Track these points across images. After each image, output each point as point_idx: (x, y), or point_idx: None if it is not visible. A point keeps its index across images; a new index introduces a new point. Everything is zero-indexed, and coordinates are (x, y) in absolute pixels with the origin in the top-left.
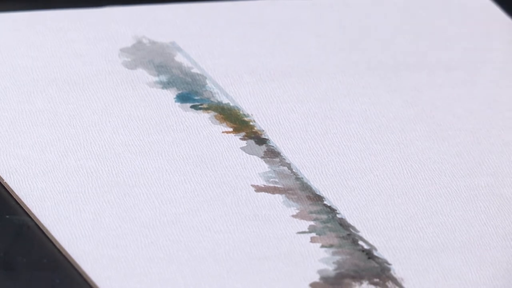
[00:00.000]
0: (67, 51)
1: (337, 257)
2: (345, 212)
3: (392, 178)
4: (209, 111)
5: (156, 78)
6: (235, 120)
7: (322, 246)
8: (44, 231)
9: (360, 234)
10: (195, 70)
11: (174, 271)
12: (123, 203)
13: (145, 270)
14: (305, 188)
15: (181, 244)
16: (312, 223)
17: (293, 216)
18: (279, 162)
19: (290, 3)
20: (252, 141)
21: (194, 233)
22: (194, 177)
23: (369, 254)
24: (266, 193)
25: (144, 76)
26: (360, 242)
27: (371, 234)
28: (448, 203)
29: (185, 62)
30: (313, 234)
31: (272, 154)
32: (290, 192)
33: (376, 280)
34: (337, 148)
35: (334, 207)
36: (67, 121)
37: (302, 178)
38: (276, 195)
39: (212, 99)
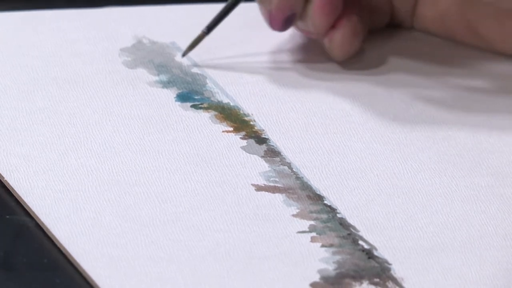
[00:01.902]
0: (67, 50)
1: (337, 257)
2: (345, 211)
3: (392, 177)
4: (209, 110)
5: (156, 78)
6: (235, 119)
7: (322, 246)
8: (44, 229)
9: (360, 233)
10: (195, 70)
11: (174, 270)
12: (123, 202)
13: (145, 269)
14: (305, 187)
15: (181, 243)
16: (312, 222)
17: (293, 215)
18: (279, 161)
19: None
20: (252, 141)
21: (194, 232)
22: (194, 176)
23: (369, 253)
24: (266, 193)
25: (144, 75)
26: (360, 242)
27: (371, 234)
28: (448, 203)
29: (185, 62)
30: (313, 234)
31: (272, 154)
32: (290, 191)
33: (376, 280)
34: (337, 148)
35: (334, 207)
36: (68, 120)
37: (302, 177)
38: (277, 194)
39: (212, 99)
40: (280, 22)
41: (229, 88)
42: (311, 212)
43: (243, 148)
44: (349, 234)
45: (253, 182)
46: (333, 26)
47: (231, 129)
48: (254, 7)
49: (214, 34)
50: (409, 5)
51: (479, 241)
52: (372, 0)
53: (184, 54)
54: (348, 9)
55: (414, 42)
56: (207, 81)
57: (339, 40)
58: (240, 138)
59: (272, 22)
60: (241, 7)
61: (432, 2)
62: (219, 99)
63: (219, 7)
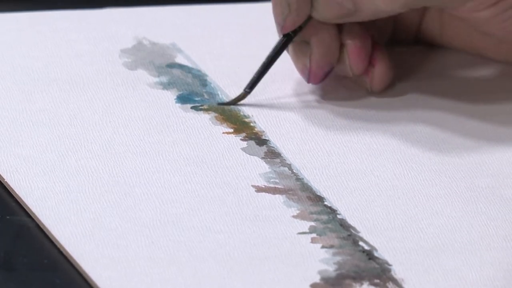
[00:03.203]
0: (67, 51)
1: (338, 258)
2: (346, 212)
3: (392, 179)
4: (210, 112)
5: (156, 79)
6: (235, 121)
7: (323, 247)
8: (45, 230)
9: (360, 234)
10: (195, 71)
11: (174, 271)
12: (124, 203)
13: (145, 270)
14: (306, 188)
15: (181, 244)
16: (312, 223)
17: (293, 216)
18: (280, 162)
19: None
20: (252, 142)
21: (195, 233)
22: (194, 177)
23: (369, 254)
24: (267, 194)
25: (144, 76)
26: (361, 243)
27: (372, 235)
28: (448, 204)
29: (186, 63)
30: (314, 235)
31: (272, 155)
32: (291, 192)
33: (377, 281)
34: (337, 149)
35: (334, 208)
36: (68, 121)
37: (303, 178)
38: (277, 195)
39: (212, 100)
40: (320, 78)
41: (230, 89)
42: (312, 213)
43: (243, 149)
44: (349, 235)
45: (253, 183)
46: (369, 63)
47: (231, 130)
48: (254, 8)
49: (215, 35)
50: (413, 28)
51: (479, 242)
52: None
53: (219, 104)
54: (376, 43)
55: (412, 47)
56: (207, 82)
57: (379, 76)
58: (241, 139)
59: (311, 78)
60: (242, 8)
61: (439, 28)
62: (220, 101)
63: (219, 7)
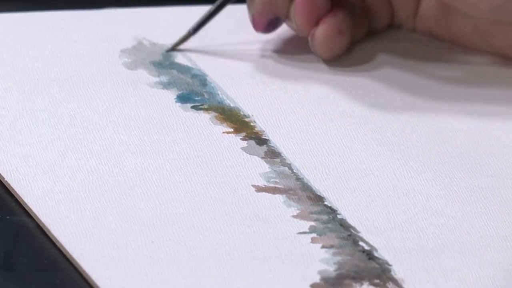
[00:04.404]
0: (68, 51)
1: (338, 258)
2: (346, 212)
3: (392, 179)
4: (210, 111)
5: (156, 79)
6: (235, 120)
7: (323, 247)
8: (45, 230)
9: (360, 234)
10: (195, 71)
11: (174, 271)
12: (124, 203)
13: (145, 269)
14: (306, 188)
15: (181, 244)
16: (312, 223)
17: (293, 216)
18: (280, 162)
19: None
20: (252, 142)
21: (195, 233)
22: (194, 177)
23: (369, 254)
24: (267, 193)
25: (144, 76)
26: (361, 243)
27: (372, 235)
28: (448, 204)
29: (186, 63)
30: (314, 235)
31: (272, 155)
32: (291, 192)
33: (377, 281)
34: (337, 149)
35: (334, 208)
36: (68, 120)
37: (303, 178)
38: (277, 195)
39: (212, 100)
40: (263, 26)
41: (230, 89)
42: (312, 213)
43: (243, 149)
44: (349, 235)
45: (253, 183)
46: (317, 24)
47: (232, 130)
48: None
49: (215, 35)
50: (410, 7)
51: (479, 242)
52: (369, 0)
53: (167, 51)
54: (336, 7)
55: (414, 44)
56: (207, 82)
57: (322, 36)
58: (241, 139)
59: (255, 25)
60: (242, 8)
61: (436, 6)
62: (220, 100)
63: None
